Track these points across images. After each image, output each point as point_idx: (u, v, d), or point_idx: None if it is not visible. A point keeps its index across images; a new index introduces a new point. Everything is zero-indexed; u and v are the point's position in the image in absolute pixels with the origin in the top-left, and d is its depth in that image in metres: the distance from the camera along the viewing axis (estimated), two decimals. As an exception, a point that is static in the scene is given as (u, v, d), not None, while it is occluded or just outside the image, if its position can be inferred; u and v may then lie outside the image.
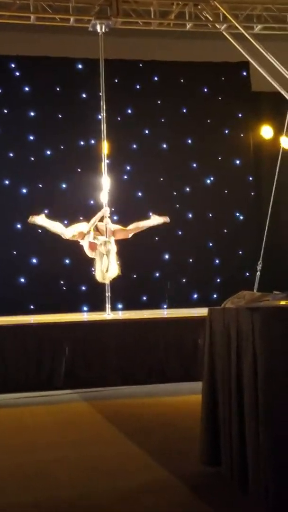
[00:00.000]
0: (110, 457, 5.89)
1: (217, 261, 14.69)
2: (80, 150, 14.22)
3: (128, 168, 14.54)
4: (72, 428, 7.15)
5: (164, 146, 14.75)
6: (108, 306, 11.46)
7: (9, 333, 9.69)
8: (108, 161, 11.96)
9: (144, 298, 13.14)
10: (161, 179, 14.68)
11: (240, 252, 14.71)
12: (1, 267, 13.64)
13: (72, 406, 8.45)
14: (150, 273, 14.26)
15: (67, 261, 13.66)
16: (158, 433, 6.62)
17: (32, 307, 13.45)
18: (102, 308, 11.64)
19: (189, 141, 14.69)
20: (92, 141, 14.00)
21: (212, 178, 14.86)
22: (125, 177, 14.45)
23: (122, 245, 11.52)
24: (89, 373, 9.67)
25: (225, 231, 14.77)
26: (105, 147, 11.79)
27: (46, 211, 12.08)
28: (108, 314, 11.31)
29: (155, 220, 11.60)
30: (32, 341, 9.66)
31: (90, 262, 11.61)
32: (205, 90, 14.97)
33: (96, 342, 9.78)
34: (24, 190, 14.05)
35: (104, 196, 11.69)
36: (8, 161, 13.86)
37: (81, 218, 13.28)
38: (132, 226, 11.44)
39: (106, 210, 11.28)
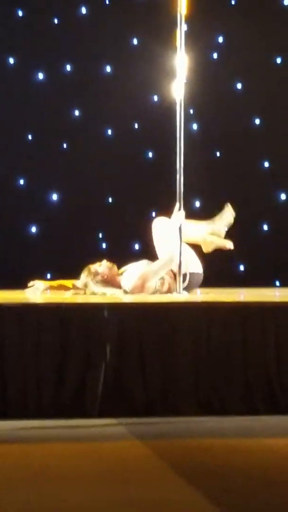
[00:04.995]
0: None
1: None
2: (136, 6, 10.65)
3: (219, 40, 10.78)
4: (118, 485, 5.27)
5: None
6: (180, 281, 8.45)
7: (9, 319, 6.95)
8: (186, 27, 8.31)
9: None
10: (279, 59, 10.78)
11: None
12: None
13: (115, 447, 6.38)
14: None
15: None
16: (261, 498, 4.93)
17: (48, 275, 10.67)
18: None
19: None
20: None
21: None
22: (215, 55, 10.80)
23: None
24: (145, 393, 7.24)
25: None
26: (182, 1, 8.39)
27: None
28: (178, 293, 8.53)
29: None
30: (48, 334, 7.02)
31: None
32: None
33: (159, 341, 7.21)
34: (41, 75, 10.80)
35: (178, 89, 8.19)
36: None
37: (135, 126, 10.31)
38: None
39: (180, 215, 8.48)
